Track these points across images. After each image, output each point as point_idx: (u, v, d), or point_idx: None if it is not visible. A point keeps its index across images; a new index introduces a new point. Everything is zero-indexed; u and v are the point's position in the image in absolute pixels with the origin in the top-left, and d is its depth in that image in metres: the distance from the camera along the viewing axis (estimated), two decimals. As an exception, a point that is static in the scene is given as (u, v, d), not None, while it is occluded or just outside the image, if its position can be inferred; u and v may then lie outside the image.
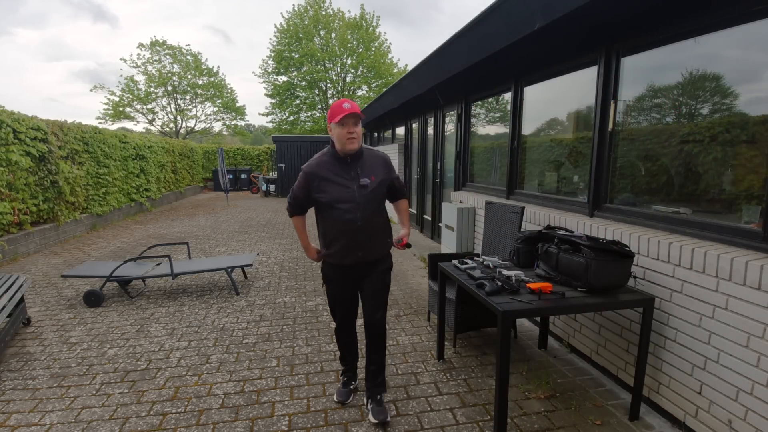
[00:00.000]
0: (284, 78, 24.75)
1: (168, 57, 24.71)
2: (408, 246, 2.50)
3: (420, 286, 4.83)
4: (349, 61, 24.49)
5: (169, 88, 24.97)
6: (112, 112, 23.95)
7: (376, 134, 13.32)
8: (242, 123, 28.77)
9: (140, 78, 24.39)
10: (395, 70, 24.72)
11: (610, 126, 2.94)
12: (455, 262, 2.84)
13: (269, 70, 24.87)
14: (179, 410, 2.48)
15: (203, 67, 25.62)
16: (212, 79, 25.92)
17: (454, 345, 3.30)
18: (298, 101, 25.10)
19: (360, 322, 3.25)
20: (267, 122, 27.42)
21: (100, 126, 9.86)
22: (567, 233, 2.47)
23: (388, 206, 2.61)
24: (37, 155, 6.61)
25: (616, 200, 3.01)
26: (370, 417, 2.35)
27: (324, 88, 24.83)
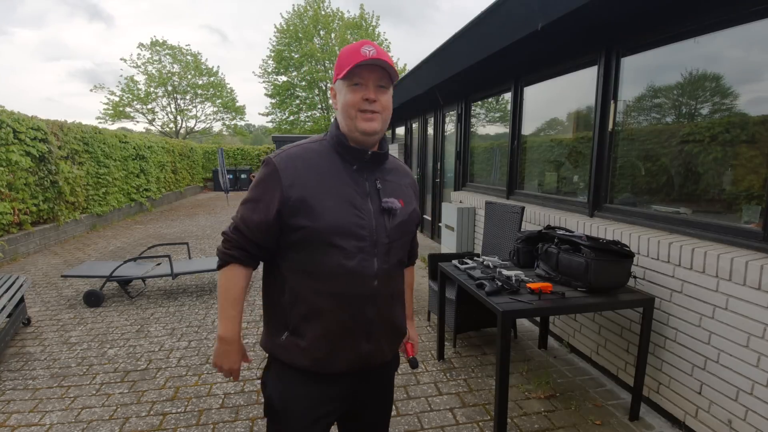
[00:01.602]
0: (284, 78, 24.77)
1: (168, 57, 24.74)
2: (414, 363, 1.35)
3: (420, 286, 4.82)
4: (349, 61, 24.47)
5: (169, 88, 25.00)
6: (112, 112, 23.98)
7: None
8: (242, 123, 28.82)
9: (140, 78, 24.44)
10: (395, 70, 24.73)
11: (610, 126, 2.94)
12: (455, 262, 2.84)
13: (269, 70, 24.89)
14: (179, 410, 2.48)
15: (203, 67, 25.64)
16: (212, 79, 25.94)
17: (454, 345, 3.30)
18: (297, 101, 25.11)
19: None
20: (267, 122, 27.46)
21: (100, 126, 9.87)
22: (567, 233, 2.47)
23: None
24: (37, 155, 6.61)
25: (616, 200, 3.01)
26: None
27: (324, 88, 24.84)
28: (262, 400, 1.16)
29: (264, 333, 1.24)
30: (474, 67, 4.19)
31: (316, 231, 1.08)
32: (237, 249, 1.14)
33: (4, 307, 3.09)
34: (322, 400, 1.17)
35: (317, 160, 1.14)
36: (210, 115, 27.09)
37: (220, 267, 1.17)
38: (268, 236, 1.13)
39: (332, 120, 1.19)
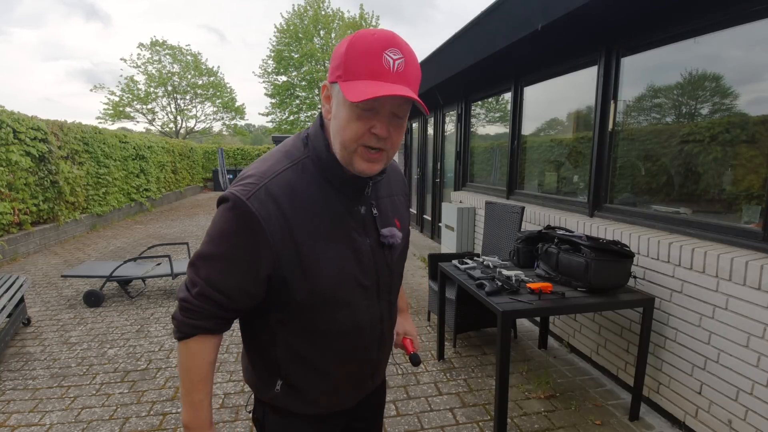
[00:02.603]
0: (284, 78, 24.77)
1: (168, 57, 24.76)
2: (416, 360, 1.18)
3: (420, 286, 4.82)
4: (349, 61, 24.50)
5: (169, 88, 25.02)
6: (112, 112, 24.00)
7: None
8: (242, 123, 28.83)
9: (140, 78, 24.46)
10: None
11: (610, 126, 2.94)
12: (455, 262, 2.84)
13: (269, 70, 24.90)
14: (179, 410, 2.47)
15: (203, 67, 25.66)
16: (212, 78, 25.96)
17: (454, 345, 3.30)
18: (297, 101, 25.13)
19: None
20: (267, 122, 27.47)
21: (101, 126, 9.87)
22: (567, 233, 2.47)
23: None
24: (37, 155, 6.61)
25: (616, 200, 3.01)
26: None
27: (324, 88, 24.86)
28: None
29: (248, 370, 1.04)
30: (474, 67, 4.19)
31: (317, 292, 0.88)
32: (206, 319, 0.88)
33: (4, 307, 3.09)
34: (329, 428, 1.08)
35: (305, 194, 0.86)
36: (210, 115, 27.14)
37: (180, 339, 0.91)
38: (249, 300, 0.89)
39: (316, 120, 0.93)
